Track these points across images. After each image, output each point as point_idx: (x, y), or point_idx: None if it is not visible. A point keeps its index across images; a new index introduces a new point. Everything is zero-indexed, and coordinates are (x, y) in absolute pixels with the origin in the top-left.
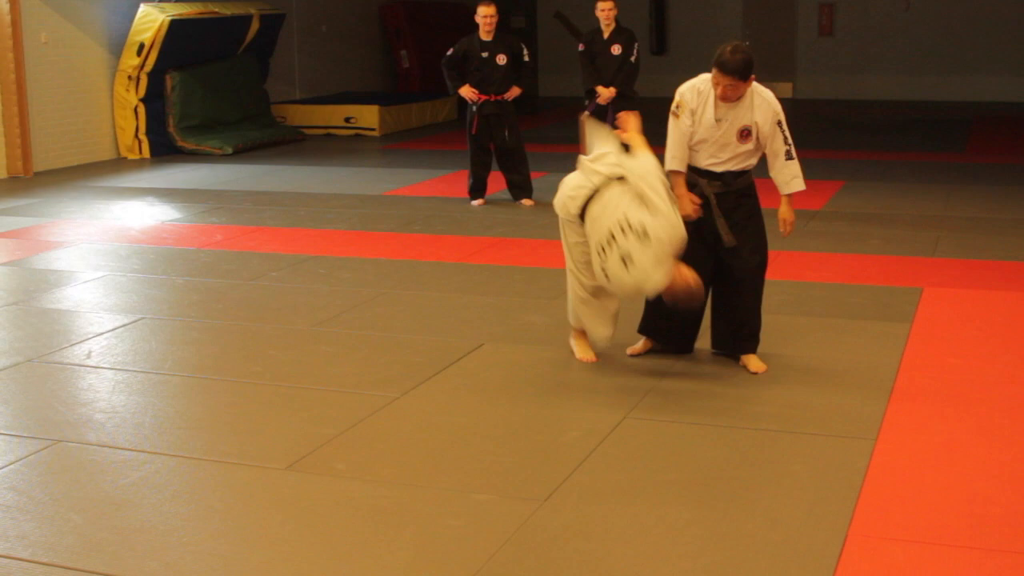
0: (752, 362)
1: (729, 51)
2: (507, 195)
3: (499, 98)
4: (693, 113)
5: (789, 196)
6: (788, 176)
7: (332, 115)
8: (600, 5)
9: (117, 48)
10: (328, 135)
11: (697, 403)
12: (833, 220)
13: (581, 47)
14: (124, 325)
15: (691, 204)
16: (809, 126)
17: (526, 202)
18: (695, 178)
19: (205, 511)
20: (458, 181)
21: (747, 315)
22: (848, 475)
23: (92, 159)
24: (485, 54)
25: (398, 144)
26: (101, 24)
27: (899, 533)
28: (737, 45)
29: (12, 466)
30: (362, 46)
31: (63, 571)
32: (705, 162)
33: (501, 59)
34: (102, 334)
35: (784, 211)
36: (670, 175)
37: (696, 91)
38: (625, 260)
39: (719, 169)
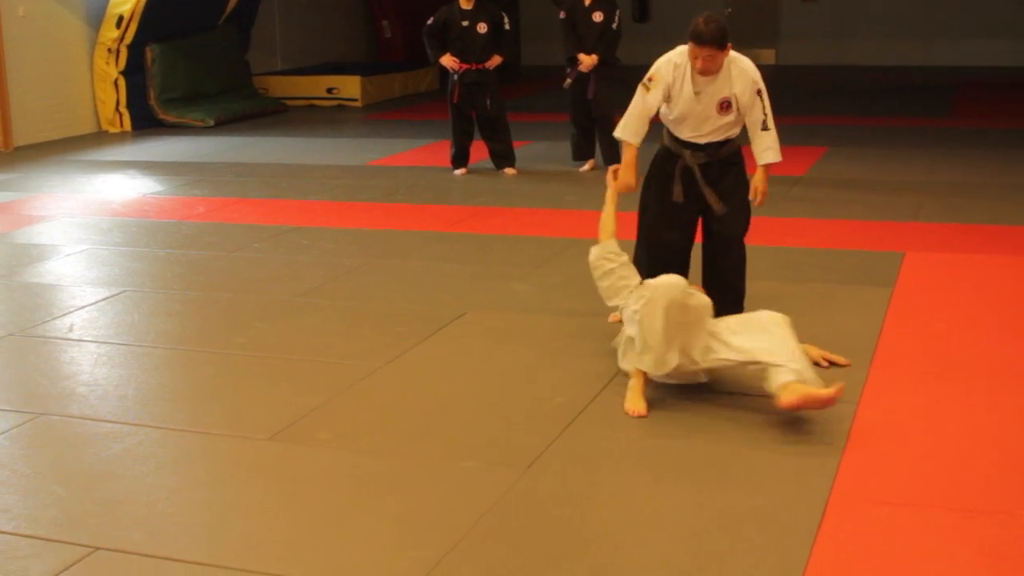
0: None
1: (702, 22)
2: (490, 164)
3: (480, 67)
4: (670, 88)
5: (765, 166)
6: (763, 147)
7: (314, 86)
8: None
9: (96, 21)
10: (310, 106)
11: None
12: (816, 186)
13: (562, 14)
14: (106, 298)
15: (631, 177)
16: (793, 92)
17: (509, 171)
18: (679, 148)
19: (189, 482)
20: (441, 150)
21: (734, 280)
22: (830, 439)
23: (73, 133)
24: (465, 23)
25: (380, 114)
26: None
27: (881, 496)
28: (709, 15)
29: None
30: (344, 16)
31: (46, 543)
32: (687, 135)
33: (482, 27)
34: (84, 307)
35: (757, 180)
36: (622, 143)
37: (673, 65)
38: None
39: (702, 141)
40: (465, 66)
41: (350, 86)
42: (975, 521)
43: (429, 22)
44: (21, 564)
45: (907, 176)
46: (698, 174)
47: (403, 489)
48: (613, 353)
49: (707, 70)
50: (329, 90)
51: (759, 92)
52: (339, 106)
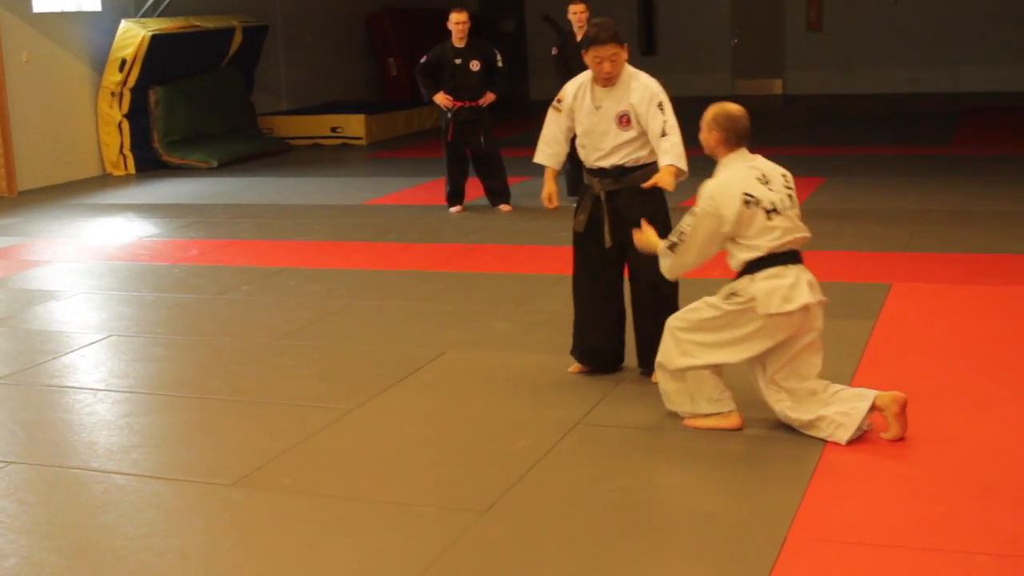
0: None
1: (594, 27)
2: (486, 201)
3: (473, 104)
4: (572, 104)
5: (668, 166)
6: (663, 150)
7: (318, 125)
8: (572, 8)
9: (99, 65)
10: (315, 145)
11: (651, 408)
12: (809, 218)
13: (555, 51)
14: (90, 343)
15: (550, 196)
16: (797, 123)
17: (504, 207)
18: (590, 178)
19: (148, 530)
20: (438, 188)
21: (643, 335)
22: (795, 474)
23: (78, 176)
24: (458, 60)
25: (383, 153)
26: (82, 41)
27: (838, 534)
28: (599, 20)
29: None
30: (349, 55)
31: None
32: (592, 158)
33: (474, 65)
34: (68, 353)
35: (659, 175)
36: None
37: (576, 84)
38: None
39: (607, 164)
40: (458, 104)
41: (354, 125)
42: (929, 559)
43: (422, 60)
44: None
45: (901, 205)
46: (603, 198)
47: (357, 535)
48: (586, 393)
49: (612, 74)
50: (333, 129)
51: (660, 105)
52: (343, 145)
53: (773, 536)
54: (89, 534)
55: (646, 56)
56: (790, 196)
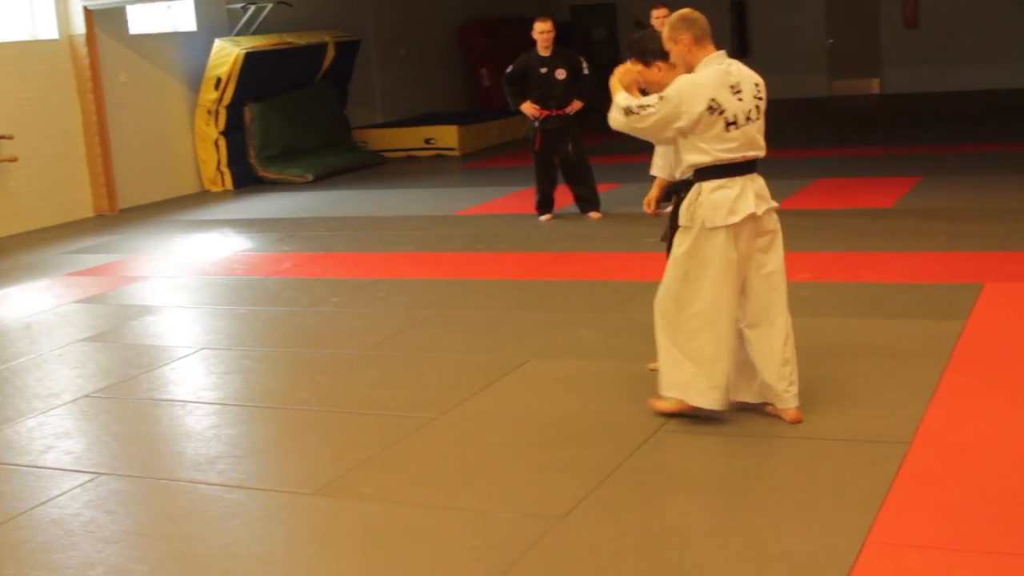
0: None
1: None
2: (576, 209)
3: (560, 112)
4: None
5: None
6: None
7: (412, 137)
8: (655, 13)
9: (195, 83)
10: (409, 157)
11: (731, 413)
12: (903, 218)
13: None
14: (183, 357)
15: (649, 201)
16: (893, 122)
17: (593, 215)
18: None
19: (231, 539)
20: (529, 197)
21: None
22: (875, 480)
23: (177, 193)
24: (544, 69)
25: (476, 163)
26: (178, 61)
27: (919, 539)
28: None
29: (55, 499)
30: (442, 67)
31: None
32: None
33: (560, 73)
34: (161, 367)
35: None
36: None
37: None
38: None
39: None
40: (545, 112)
41: (448, 136)
42: (1012, 563)
43: (508, 70)
44: None
45: (997, 204)
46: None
47: (436, 543)
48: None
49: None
50: (427, 141)
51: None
52: (437, 156)
53: (852, 540)
54: (174, 544)
55: (740, 58)
56: (758, 107)
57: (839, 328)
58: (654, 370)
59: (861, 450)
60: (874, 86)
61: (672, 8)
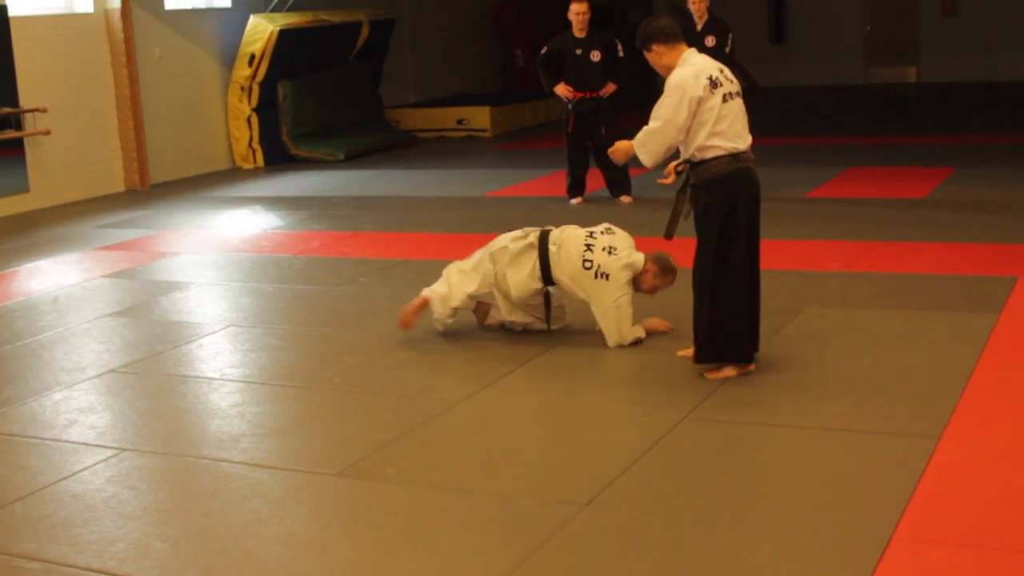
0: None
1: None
2: (607, 193)
3: (594, 95)
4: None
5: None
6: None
7: (444, 117)
8: None
9: (229, 60)
10: (441, 137)
11: (760, 402)
12: (936, 208)
13: None
14: (209, 334)
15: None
16: (930, 111)
17: (624, 199)
18: None
19: (252, 518)
20: (560, 180)
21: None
22: (904, 474)
23: (208, 170)
24: (579, 51)
25: (508, 144)
26: (212, 37)
27: (946, 536)
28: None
29: (77, 474)
30: (477, 47)
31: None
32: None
33: (595, 56)
34: (188, 343)
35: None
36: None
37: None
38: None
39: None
40: (579, 95)
41: (480, 117)
42: None
43: (543, 51)
44: None
45: None
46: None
47: (458, 526)
48: (697, 386)
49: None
50: (459, 121)
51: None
52: (469, 137)
53: (878, 535)
54: (195, 521)
55: (777, 45)
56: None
57: (870, 319)
58: (683, 356)
59: (890, 443)
60: (911, 74)
61: None
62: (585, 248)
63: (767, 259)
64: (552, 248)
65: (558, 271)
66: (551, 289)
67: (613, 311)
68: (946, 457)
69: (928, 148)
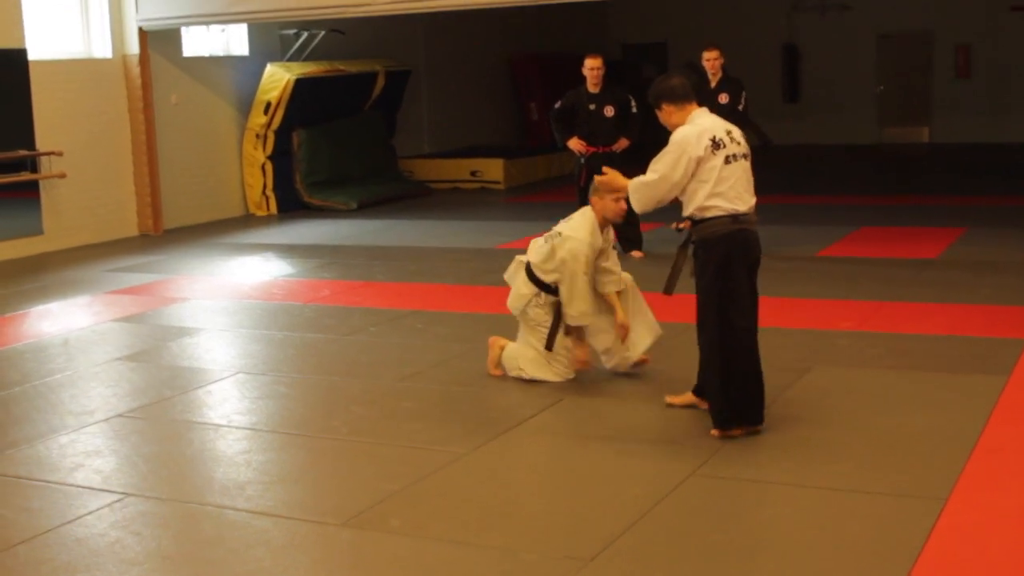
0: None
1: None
2: (618, 247)
3: (607, 150)
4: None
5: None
6: None
7: (458, 169)
8: (706, 55)
9: (245, 107)
10: (454, 189)
11: (767, 461)
12: (947, 269)
13: None
14: (218, 380)
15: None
16: (941, 171)
17: (635, 254)
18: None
19: (254, 567)
20: None
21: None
22: (910, 537)
23: (221, 216)
24: (592, 106)
25: (521, 197)
26: (229, 84)
27: None
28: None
29: (81, 518)
30: (492, 99)
31: None
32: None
33: (608, 111)
34: (196, 389)
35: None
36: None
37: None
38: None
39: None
40: (592, 149)
41: (493, 169)
42: None
43: (556, 106)
44: None
45: None
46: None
47: None
48: (704, 443)
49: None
50: (473, 173)
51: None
52: (482, 188)
53: None
54: (198, 569)
55: (790, 103)
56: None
57: (878, 379)
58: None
59: (897, 505)
60: (924, 134)
61: (723, 50)
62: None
63: (776, 317)
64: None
65: (536, 271)
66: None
67: (568, 280)
68: (953, 520)
69: (939, 208)
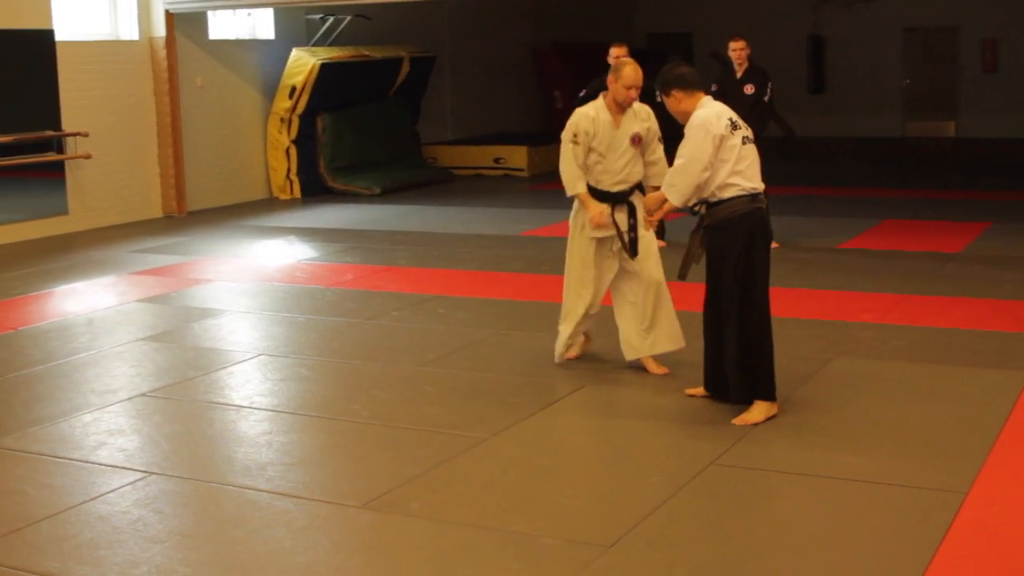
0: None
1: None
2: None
3: None
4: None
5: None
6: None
7: (481, 156)
8: (732, 45)
9: (270, 91)
10: (477, 175)
11: (787, 451)
12: (970, 263)
13: (714, 87)
14: (240, 362)
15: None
16: (967, 166)
17: (659, 243)
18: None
19: (275, 547)
20: None
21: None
22: (930, 529)
23: (245, 199)
24: None
25: (544, 185)
26: (255, 68)
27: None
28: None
29: (104, 496)
30: (516, 87)
31: None
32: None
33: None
34: (218, 370)
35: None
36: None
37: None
38: None
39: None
40: None
41: (517, 156)
42: None
43: (581, 94)
44: None
45: None
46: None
47: (478, 564)
48: (724, 432)
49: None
50: (496, 160)
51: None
52: (506, 176)
53: None
54: (219, 548)
55: (816, 95)
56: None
57: (900, 371)
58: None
59: (917, 497)
60: (950, 129)
61: (749, 40)
62: None
63: (798, 308)
64: None
65: None
66: None
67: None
68: (973, 514)
69: (963, 203)
